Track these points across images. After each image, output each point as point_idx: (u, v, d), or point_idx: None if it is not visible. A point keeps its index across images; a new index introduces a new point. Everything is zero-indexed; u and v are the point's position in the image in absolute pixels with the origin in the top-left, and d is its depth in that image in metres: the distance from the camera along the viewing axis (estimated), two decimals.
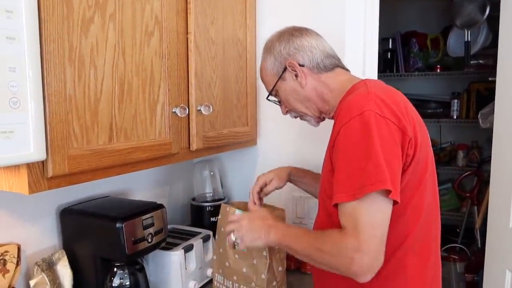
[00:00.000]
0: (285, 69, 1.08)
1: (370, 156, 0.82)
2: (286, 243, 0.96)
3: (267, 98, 1.18)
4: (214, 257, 1.31)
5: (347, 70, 1.12)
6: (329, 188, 0.91)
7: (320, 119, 1.14)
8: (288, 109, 1.16)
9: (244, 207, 1.29)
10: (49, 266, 1.15)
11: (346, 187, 0.84)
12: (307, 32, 1.10)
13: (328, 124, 1.12)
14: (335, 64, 1.08)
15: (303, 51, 1.06)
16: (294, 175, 1.30)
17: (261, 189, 1.28)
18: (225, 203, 1.39)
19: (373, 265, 0.81)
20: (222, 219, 1.27)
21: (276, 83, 1.11)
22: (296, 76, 1.07)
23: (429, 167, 0.96)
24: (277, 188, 1.28)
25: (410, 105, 0.98)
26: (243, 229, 1.04)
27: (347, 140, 0.86)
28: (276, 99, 1.17)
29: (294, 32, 1.09)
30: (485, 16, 2.48)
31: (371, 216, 0.82)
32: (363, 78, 1.07)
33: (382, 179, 0.81)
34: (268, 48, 1.12)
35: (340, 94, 1.03)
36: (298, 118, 1.18)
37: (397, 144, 0.86)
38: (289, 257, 1.37)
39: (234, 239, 1.09)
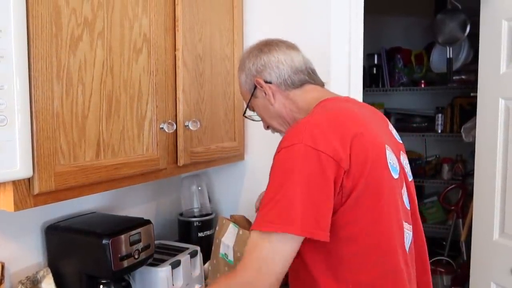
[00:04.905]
0: (255, 86, 1.06)
1: (284, 194, 0.81)
2: None
3: (243, 114, 1.16)
4: (210, 267, 1.32)
5: (321, 84, 1.08)
6: None
7: None
8: (267, 125, 1.14)
9: (242, 220, 1.30)
10: (33, 284, 1.13)
11: (260, 215, 0.83)
12: (277, 46, 1.05)
13: None
14: (304, 80, 1.04)
15: (270, 67, 1.03)
16: None
17: None
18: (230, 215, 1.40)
19: None
20: (219, 230, 1.28)
21: (250, 100, 1.09)
22: (265, 93, 1.05)
23: (385, 194, 0.88)
24: None
25: (375, 127, 0.94)
26: None
27: (273, 169, 0.86)
28: (254, 113, 1.14)
29: (263, 48, 1.06)
30: (465, 34, 2.55)
31: (267, 251, 0.81)
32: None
33: (290, 222, 0.79)
34: (241, 64, 1.10)
35: (306, 113, 0.98)
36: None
37: (327, 179, 0.82)
38: None
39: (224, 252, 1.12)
